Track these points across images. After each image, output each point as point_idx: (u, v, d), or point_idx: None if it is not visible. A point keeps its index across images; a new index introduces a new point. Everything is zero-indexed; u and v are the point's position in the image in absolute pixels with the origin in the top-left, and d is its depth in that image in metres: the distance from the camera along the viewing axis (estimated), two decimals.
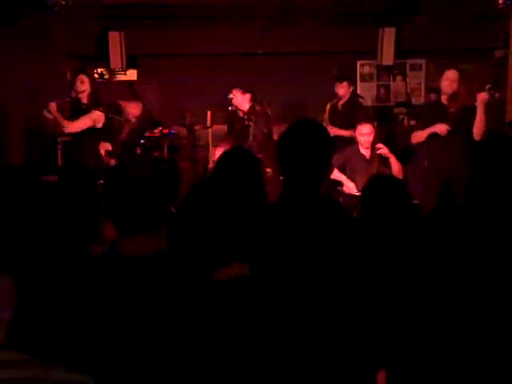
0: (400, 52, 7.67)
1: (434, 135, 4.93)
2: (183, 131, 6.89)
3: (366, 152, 5.10)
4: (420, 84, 8.19)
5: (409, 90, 8.21)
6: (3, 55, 6.47)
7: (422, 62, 8.14)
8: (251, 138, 5.89)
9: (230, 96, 6.00)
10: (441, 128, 4.86)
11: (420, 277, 2.09)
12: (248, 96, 5.96)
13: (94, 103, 5.41)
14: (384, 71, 8.17)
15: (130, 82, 7.48)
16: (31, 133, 6.72)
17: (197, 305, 1.51)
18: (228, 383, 1.46)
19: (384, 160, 5.01)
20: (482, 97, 4.72)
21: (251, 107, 5.95)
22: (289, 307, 1.65)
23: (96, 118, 5.35)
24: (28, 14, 6.49)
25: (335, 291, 2.01)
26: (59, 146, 6.31)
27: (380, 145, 5.01)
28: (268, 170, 5.22)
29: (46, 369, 1.02)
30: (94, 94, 5.44)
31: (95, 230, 5.05)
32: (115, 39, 7.39)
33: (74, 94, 5.47)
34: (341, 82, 6.25)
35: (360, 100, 6.57)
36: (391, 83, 8.26)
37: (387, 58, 7.61)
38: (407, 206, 2.35)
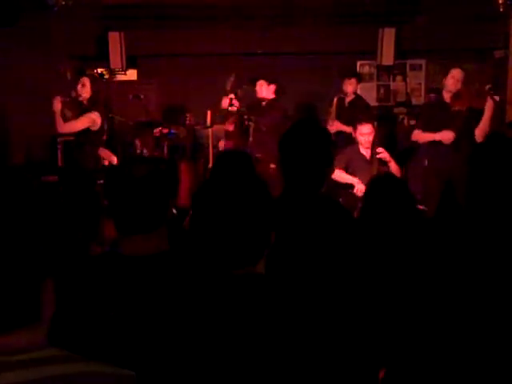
0: (400, 52, 7.67)
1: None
2: (183, 131, 6.89)
3: (366, 152, 5.10)
4: (420, 84, 8.19)
5: (409, 90, 8.21)
6: (3, 55, 6.47)
7: (422, 62, 8.13)
8: (251, 139, 5.90)
9: (231, 96, 6.00)
10: (447, 136, 4.85)
11: (421, 276, 2.09)
12: (273, 87, 6.01)
13: (93, 105, 5.42)
14: (384, 71, 8.17)
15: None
16: (31, 133, 6.72)
17: (198, 305, 1.51)
18: (228, 382, 1.46)
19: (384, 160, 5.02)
20: (491, 102, 4.73)
21: (274, 100, 6.00)
22: (290, 307, 1.65)
23: (93, 120, 5.36)
24: (28, 13, 6.49)
25: (336, 291, 2.01)
26: (59, 146, 6.31)
27: (380, 149, 5.01)
28: (272, 165, 5.22)
29: (89, 364, 1.05)
30: (94, 97, 5.45)
31: (95, 230, 5.06)
32: (115, 39, 7.39)
33: (74, 94, 5.48)
34: (349, 78, 6.25)
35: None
36: (391, 83, 8.26)
37: (387, 58, 7.61)
38: (410, 206, 2.35)
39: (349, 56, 7.70)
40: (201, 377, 1.44)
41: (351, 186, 4.94)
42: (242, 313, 1.46)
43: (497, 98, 4.83)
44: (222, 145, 6.27)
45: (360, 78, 6.61)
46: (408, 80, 8.22)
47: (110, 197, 1.68)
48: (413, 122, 7.30)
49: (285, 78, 6.51)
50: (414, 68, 8.20)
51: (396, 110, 8.13)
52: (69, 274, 1.64)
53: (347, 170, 5.04)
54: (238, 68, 6.62)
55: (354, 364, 1.96)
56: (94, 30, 7.39)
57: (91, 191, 5.11)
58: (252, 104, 6.12)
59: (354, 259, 2.14)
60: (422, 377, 2.00)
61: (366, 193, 2.52)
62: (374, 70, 8.18)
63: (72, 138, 5.52)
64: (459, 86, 4.92)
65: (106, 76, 7.52)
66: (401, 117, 8.04)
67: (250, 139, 5.93)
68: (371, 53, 7.66)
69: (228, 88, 6.04)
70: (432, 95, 6.27)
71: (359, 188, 4.79)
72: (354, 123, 5.33)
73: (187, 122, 6.82)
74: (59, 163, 6.30)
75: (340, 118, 6.11)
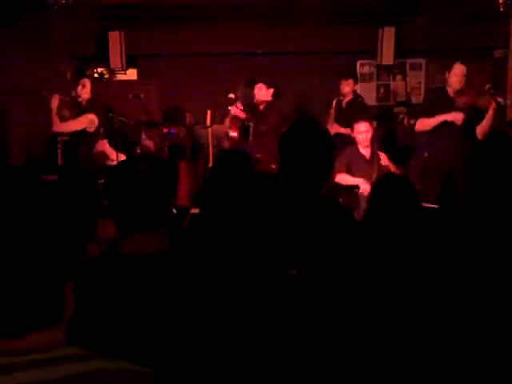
0: (400, 52, 7.67)
1: (438, 126, 4.88)
2: (183, 131, 6.89)
3: (365, 151, 5.10)
4: (420, 84, 8.19)
5: (409, 90, 8.21)
6: (3, 55, 6.47)
7: (422, 61, 8.13)
8: (251, 139, 5.90)
9: (231, 96, 6.00)
10: (458, 116, 4.80)
11: (421, 276, 2.10)
12: (271, 90, 5.96)
13: (92, 107, 5.43)
14: (384, 71, 8.17)
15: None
16: (31, 132, 6.72)
17: (200, 305, 1.51)
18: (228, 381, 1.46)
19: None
20: (494, 105, 4.71)
21: (272, 102, 5.96)
22: (290, 308, 1.66)
23: (90, 121, 5.37)
24: (28, 13, 6.49)
25: (337, 291, 2.01)
26: (59, 146, 6.32)
27: (380, 153, 5.02)
28: (273, 166, 5.21)
29: (109, 361, 1.08)
30: (93, 99, 5.47)
31: (92, 230, 5.07)
32: (115, 39, 7.39)
33: (73, 94, 5.49)
34: (347, 79, 6.23)
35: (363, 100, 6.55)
36: (391, 83, 8.26)
37: (387, 57, 7.62)
38: (416, 206, 2.35)
39: (349, 56, 7.70)
40: (200, 376, 1.44)
41: (354, 187, 4.92)
42: (242, 312, 1.46)
43: (500, 99, 4.81)
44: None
45: (357, 79, 6.59)
46: (408, 79, 8.22)
47: (111, 194, 1.68)
48: (413, 122, 7.30)
49: (285, 78, 6.51)
50: (413, 68, 8.20)
51: (396, 110, 8.14)
52: (69, 273, 1.64)
53: (348, 171, 5.03)
54: (238, 68, 6.63)
55: (353, 363, 1.96)
56: (94, 29, 7.39)
57: (91, 191, 5.11)
58: (250, 106, 6.10)
59: (355, 260, 2.14)
60: (423, 377, 2.00)
61: (372, 194, 2.51)
62: (373, 70, 8.18)
63: (67, 138, 5.54)
64: (463, 81, 4.90)
65: (106, 76, 7.52)
66: (401, 116, 8.04)
67: (250, 139, 5.93)
68: (371, 52, 7.66)
69: (232, 96, 5.99)
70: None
71: (365, 188, 4.68)
72: (351, 124, 5.34)
73: (187, 121, 6.82)
74: (59, 162, 6.30)
75: (339, 120, 6.10)
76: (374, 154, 5.06)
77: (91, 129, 5.38)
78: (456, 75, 4.93)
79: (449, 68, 5.04)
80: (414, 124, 5.45)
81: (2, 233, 1.06)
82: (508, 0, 6.14)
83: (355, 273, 2.09)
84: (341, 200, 4.65)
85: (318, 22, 7.23)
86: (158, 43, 7.42)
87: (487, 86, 4.91)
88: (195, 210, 4.11)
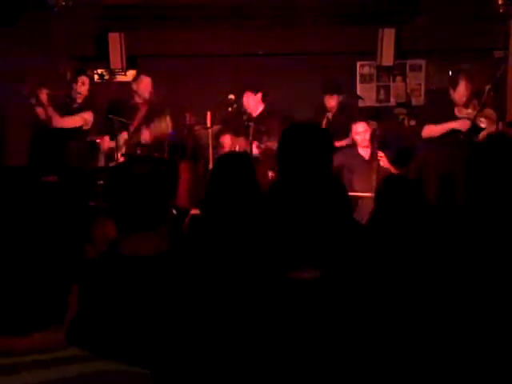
0: (400, 52, 7.67)
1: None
2: (183, 131, 6.89)
3: (364, 152, 5.09)
4: (420, 85, 8.18)
5: (409, 91, 8.20)
6: (3, 55, 6.47)
7: (422, 62, 8.13)
8: (251, 138, 5.88)
9: (231, 96, 5.98)
10: (464, 124, 4.78)
11: (421, 276, 2.09)
12: (259, 95, 5.79)
13: (87, 105, 5.47)
14: (384, 72, 8.17)
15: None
16: (31, 132, 6.71)
17: (200, 306, 1.51)
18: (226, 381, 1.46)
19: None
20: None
21: (263, 111, 5.78)
22: (290, 308, 1.65)
23: (86, 118, 5.42)
24: (28, 14, 6.49)
25: (338, 292, 2.01)
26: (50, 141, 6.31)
27: (380, 153, 5.01)
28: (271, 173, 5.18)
29: (109, 362, 1.08)
30: (89, 97, 5.51)
31: (90, 231, 5.06)
32: (115, 40, 7.39)
33: (73, 89, 5.53)
34: (331, 94, 6.15)
35: (353, 101, 6.50)
36: (391, 84, 8.26)
37: (387, 58, 7.61)
38: (423, 207, 2.34)
39: (349, 56, 7.70)
40: (200, 376, 1.44)
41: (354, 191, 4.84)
42: (241, 313, 1.46)
43: (483, 124, 4.78)
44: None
45: (341, 92, 6.35)
46: (408, 80, 8.22)
47: (111, 194, 1.68)
48: (413, 123, 7.29)
49: (285, 78, 6.51)
50: (413, 68, 8.20)
51: (396, 111, 8.13)
52: (70, 273, 1.64)
53: (347, 172, 5.00)
54: (237, 68, 6.62)
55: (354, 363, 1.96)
56: (94, 30, 7.38)
57: (90, 191, 5.11)
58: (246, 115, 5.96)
59: (357, 260, 2.13)
60: (423, 377, 2.00)
61: (378, 193, 2.49)
62: (373, 71, 8.17)
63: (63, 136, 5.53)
64: (468, 95, 4.87)
65: (106, 76, 7.52)
66: (401, 117, 8.03)
67: (250, 139, 5.92)
68: (371, 53, 7.66)
69: (232, 97, 5.89)
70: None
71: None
72: (345, 134, 5.30)
73: (187, 122, 6.81)
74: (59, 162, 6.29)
75: (332, 135, 5.99)
76: (373, 154, 5.06)
77: (87, 126, 5.45)
78: (458, 93, 4.87)
79: (453, 84, 4.94)
80: (414, 125, 5.45)
81: (1, 233, 1.06)
82: (508, 0, 6.14)
83: (362, 274, 2.09)
84: None
85: (318, 22, 7.23)
86: (157, 43, 7.42)
87: (487, 87, 4.90)
88: (195, 211, 4.11)
